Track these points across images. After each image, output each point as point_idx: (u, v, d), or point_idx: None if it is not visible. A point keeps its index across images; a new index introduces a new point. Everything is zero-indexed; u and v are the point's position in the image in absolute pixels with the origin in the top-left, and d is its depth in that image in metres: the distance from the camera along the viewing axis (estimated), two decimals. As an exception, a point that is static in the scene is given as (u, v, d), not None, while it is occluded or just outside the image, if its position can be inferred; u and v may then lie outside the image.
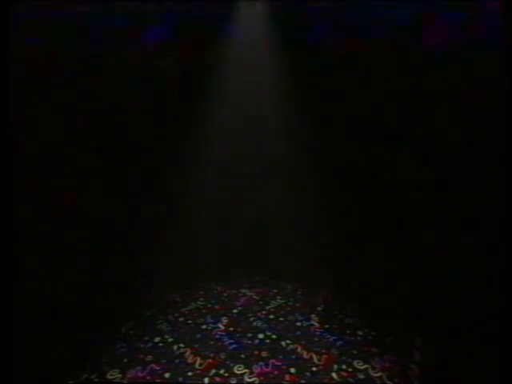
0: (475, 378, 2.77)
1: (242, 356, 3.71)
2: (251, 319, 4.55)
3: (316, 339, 4.06)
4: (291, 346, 3.90)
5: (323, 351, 3.80)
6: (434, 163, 3.53)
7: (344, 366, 3.54)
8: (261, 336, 4.13)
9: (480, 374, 2.71)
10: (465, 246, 3.13)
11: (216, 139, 5.52)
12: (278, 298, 5.24)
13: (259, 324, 4.42)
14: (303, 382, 3.33)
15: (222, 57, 5.08)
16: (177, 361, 3.62)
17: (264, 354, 3.76)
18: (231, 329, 4.28)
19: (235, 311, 4.78)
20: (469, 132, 3.18)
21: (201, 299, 5.15)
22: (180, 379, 3.36)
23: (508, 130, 2.66)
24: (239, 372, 3.45)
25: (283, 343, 3.97)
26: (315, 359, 3.66)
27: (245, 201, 5.93)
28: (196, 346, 3.90)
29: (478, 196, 3.03)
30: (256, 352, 3.79)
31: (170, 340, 4.01)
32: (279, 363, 3.60)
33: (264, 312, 4.75)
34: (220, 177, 5.69)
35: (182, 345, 3.92)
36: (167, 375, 3.40)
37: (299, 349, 3.86)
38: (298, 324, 4.42)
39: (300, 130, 5.34)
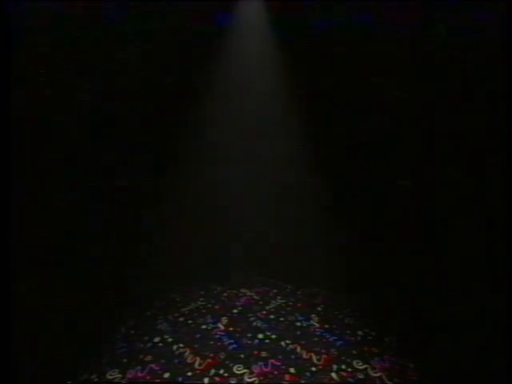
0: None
1: (242, 356, 3.71)
2: (251, 319, 4.55)
3: (316, 339, 4.06)
4: (291, 346, 3.90)
5: (323, 351, 3.80)
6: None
7: (344, 366, 3.54)
8: (260, 336, 4.12)
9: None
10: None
11: (215, 138, 5.52)
12: (278, 297, 5.24)
13: (259, 324, 4.41)
14: (303, 382, 3.33)
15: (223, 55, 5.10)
16: (176, 361, 3.63)
17: (264, 354, 3.76)
18: (231, 329, 4.28)
19: (235, 311, 4.78)
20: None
21: (201, 299, 5.15)
22: (180, 379, 3.36)
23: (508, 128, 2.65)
24: (239, 372, 3.45)
25: (283, 343, 3.96)
26: (315, 359, 3.66)
27: (244, 201, 5.92)
28: (196, 346, 3.90)
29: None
30: (256, 352, 3.79)
31: (170, 340, 4.02)
32: (279, 363, 3.60)
33: (264, 312, 4.75)
34: (219, 177, 5.70)
35: (181, 345, 3.92)
36: (167, 375, 3.40)
37: (299, 349, 3.85)
38: (298, 324, 4.42)
39: (300, 130, 5.33)
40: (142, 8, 4.18)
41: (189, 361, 3.62)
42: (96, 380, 3.34)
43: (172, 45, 4.51)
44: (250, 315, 4.65)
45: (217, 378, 3.37)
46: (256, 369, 3.50)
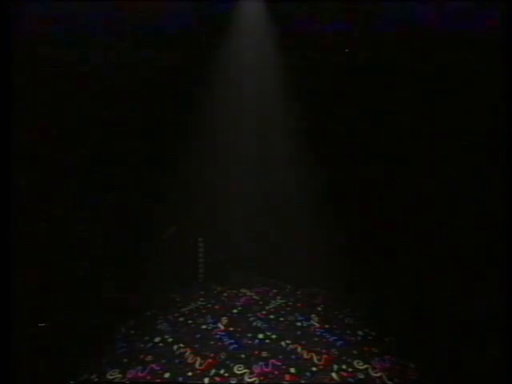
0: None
1: (242, 356, 3.71)
2: (251, 319, 4.54)
3: (316, 339, 4.06)
4: (291, 346, 3.90)
5: (323, 351, 3.80)
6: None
7: (344, 366, 3.54)
8: (261, 336, 4.12)
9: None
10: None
11: (216, 137, 5.52)
12: (278, 297, 5.24)
13: (259, 324, 4.41)
14: (303, 382, 3.33)
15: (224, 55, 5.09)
16: (177, 361, 3.62)
17: (264, 354, 3.76)
18: (231, 329, 4.28)
19: (235, 311, 4.78)
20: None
21: (201, 299, 5.15)
22: (180, 379, 3.36)
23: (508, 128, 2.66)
24: (239, 372, 3.45)
25: (283, 343, 3.96)
26: (315, 359, 3.66)
27: (245, 201, 5.92)
28: (196, 346, 3.89)
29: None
30: (256, 352, 3.79)
31: (171, 340, 4.01)
32: (279, 363, 3.60)
33: (264, 312, 4.75)
34: (218, 176, 5.69)
35: (182, 345, 3.91)
36: (167, 375, 3.40)
37: (299, 349, 3.85)
38: (298, 324, 4.42)
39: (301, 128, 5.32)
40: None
41: (189, 361, 3.62)
42: (96, 380, 3.33)
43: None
44: (249, 315, 4.65)
45: (217, 378, 3.36)
46: (256, 369, 3.50)
